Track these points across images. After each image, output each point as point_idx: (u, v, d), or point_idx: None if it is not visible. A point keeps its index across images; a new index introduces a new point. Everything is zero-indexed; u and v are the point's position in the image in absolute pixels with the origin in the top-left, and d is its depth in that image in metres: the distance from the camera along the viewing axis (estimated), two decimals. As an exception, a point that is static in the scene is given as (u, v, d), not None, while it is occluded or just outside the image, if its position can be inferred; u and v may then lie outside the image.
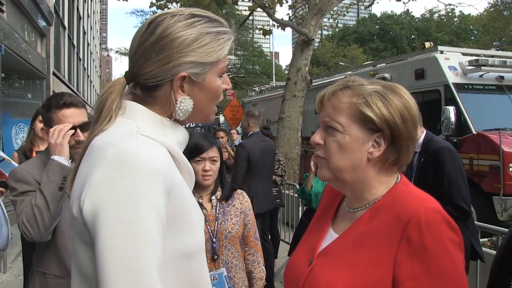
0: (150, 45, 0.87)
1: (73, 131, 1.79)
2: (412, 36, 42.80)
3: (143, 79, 0.89)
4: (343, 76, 8.33)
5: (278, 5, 8.76)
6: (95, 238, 0.74)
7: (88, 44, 24.15)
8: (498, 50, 13.15)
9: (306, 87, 8.14)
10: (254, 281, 2.14)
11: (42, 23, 9.54)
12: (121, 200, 0.74)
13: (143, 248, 0.73)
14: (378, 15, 53.75)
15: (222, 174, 2.13)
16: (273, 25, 10.18)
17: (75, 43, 17.30)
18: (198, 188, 2.02)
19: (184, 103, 0.89)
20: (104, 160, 0.78)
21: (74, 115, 1.83)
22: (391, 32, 47.27)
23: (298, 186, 5.03)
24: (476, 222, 3.05)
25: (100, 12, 44.38)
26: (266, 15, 8.53)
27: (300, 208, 5.53)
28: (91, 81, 27.06)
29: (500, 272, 1.29)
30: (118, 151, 0.78)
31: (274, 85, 15.51)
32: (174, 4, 9.77)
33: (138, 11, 29.84)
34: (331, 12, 10.39)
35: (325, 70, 36.97)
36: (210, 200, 2.07)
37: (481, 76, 6.72)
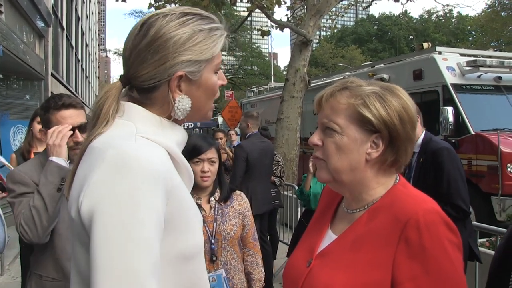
0: (144, 47, 0.87)
1: (71, 132, 1.79)
2: (410, 36, 42.88)
3: (139, 82, 0.88)
4: (342, 77, 8.38)
5: (277, 6, 8.77)
6: (91, 238, 0.74)
7: (86, 45, 24.12)
8: (496, 50, 13.21)
9: (304, 88, 8.14)
10: (253, 282, 2.14)
11: (40, 24, 9.53)
12: (120, 202, 0.74)
13: (138, 250, 0.73)
14: (376, 16, 53.84)
15: (221, 175, 2.13)
16: (272, 26, 10.18)
17: (73, 44, 17.28)
18: (196, 189, 2.02)
19: (182, 102, 0.89)
20: (104, 162, 0.77)
21: (72, 116, 1.83)
22: (389, 32, 47.35)
23: (296, 187, 5.03)
24: (474, 223, 3.05)
25: (99, 13, 44.34)
26: (265, 16, 8.54)
27: (299, 209, 5.53)
28: (89, 82, 27.04)
29: (498, 272, 1.29)
30: (118, 152, 0.78)
31: (273, 86, 15.51)
32: (172, 5, 9.77)
33: (136, 12, 29.83)
34: (330, 13, 10.42)
35: (323, 71, 37.03)
36: (209, 201, 2.07)
37: (479, 76, 6.74)
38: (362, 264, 0.93)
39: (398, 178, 1.06)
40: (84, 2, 22.23)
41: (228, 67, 37.80)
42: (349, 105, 0.99)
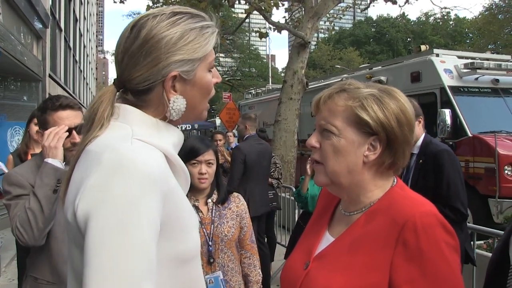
0: (136, 49, 0.86)
1: (67, 133, 1.78)
2: (408, 39, 42.99)
3: (133, 84, 0.88)
4: (339, 79, 8.40)
5: (275, 8, 8.79)
6: (85, 240, 0.73)
7: (84, 47, 24.09)
8: (493, 53, 13.26)
9: (302, 89, 8.15)
10: (250, 285, 2.13)
11: (38, 25, 9.50)
12: (116, 204, 0.73)
13: (134, 253, 0.72)
14: (374, 18, 54.00)
15: (218, 177, 2.12)
16: (270, 28, 10.19)
17: (71, 45, 17.25)
18: (194, 191, 2.01)
19: (177, 103, 0.88)
20: (100, 164, 0.77)
21: (70, 117, 1.82)
22: (387, 35, 47.49)
23: (294, 189, 5.03)
24: (472, 225, 3.06)
25: (97, 14, 44.31)
26: (263, 18, 8.56)
27: (297, 211, 5.53)
28: (87, 84, 26.99)
29: (496, 274, 1.29)
30: (114, 155, 0.77)
31: (271, 88, 15.55)
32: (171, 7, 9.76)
33: (134, 14, 29.83)
34: (327, 15, 10.43)
35: (321, 73, 37.13)
36: (206, 203, 2.06)
37: (476, 79, 6.77)
38: (359, 267, 0.93)
39: (395, 180, 1.06)
40: (82, 3, 22.21)
41: (226, 69, 37.87)
42: (347, 107, 0.99)
